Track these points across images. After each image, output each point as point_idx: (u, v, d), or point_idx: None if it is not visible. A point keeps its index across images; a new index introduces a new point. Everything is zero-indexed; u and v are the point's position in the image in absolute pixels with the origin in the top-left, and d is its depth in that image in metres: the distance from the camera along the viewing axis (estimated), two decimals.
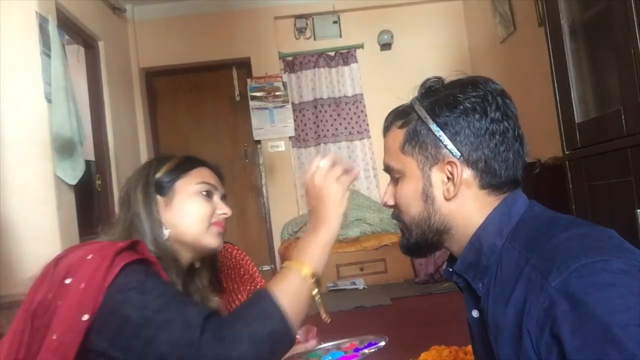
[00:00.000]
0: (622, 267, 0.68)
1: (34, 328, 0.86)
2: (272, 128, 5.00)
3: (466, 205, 0.85)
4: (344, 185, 0.95)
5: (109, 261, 0.86)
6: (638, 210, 1.69)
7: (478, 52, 4.97)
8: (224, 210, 1.10)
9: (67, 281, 0.87)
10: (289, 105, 5.03)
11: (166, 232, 1.04)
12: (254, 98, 4.99)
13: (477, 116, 0.83)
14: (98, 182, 3.92)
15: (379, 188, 4.93)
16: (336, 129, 5.11)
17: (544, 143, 2.74)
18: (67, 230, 3.02)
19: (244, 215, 5.03)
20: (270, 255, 4.98)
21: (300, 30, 5.13)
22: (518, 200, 0.86)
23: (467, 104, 0.83)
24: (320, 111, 5.11)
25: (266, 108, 4.99)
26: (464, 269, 0.87)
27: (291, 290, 0.88)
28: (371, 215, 4.58)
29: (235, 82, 5.07)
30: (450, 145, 0.84)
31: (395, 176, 0.91)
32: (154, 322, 0.83)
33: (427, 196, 0.87)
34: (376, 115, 4.85)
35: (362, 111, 5.11)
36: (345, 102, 5.12)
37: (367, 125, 5.08)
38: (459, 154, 0.84)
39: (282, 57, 5.11)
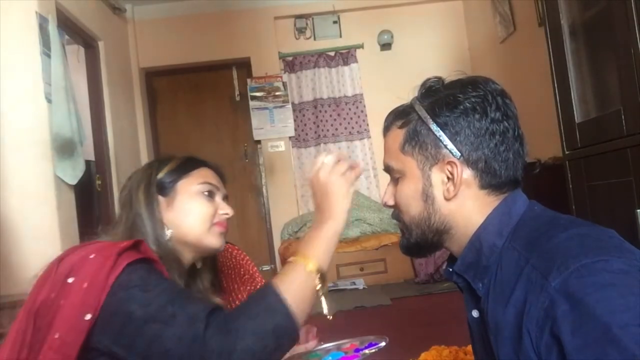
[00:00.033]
0: (622, 267, 0.68)
1: (37, 327, 0.86)
2: (272, 128, 5.00)
3: (466, 205, 0.85)
4: (349, 181, 0.95)
5: (112, 261, 0.87)
6: (638, 210, 1.69)
7: (478, 52, 4.97)
8: (225, 210, 1.11)
9: (70, 280, 0.87)
10: (289, 105, 5.03)
11: (168, 233, 1.04)
12: (254, 98, 4.99)
13: (477, 116, 0.83)
14: (98, 182, 3.92)
15: (379, 188, 4.93)
16: (336, 129, 5.11)
17: (544, 143, 2.74)
18: (67, 230, 3.02)
19: (244, 215, 5.03)
20: (270, 255, 4.98)
21: (300, 30, 5.13)
22: (518, 200, 0.86)
23: (467, 104, 0.83)
24: (320, 111, 5.11)
25: (266, 108, 5.00)
26: (464, 269, 0.87)
27: (296, 285, 0.88)
28: (371, 215, 4.58)
29: (235, 82, 5.07)
30: (450, 145, 0.84)
31: (395, 176, 0.91)
32: (158, 318, 0.83)
33: (427, 196, 0.87)
34: (376, 115, 4.85)
35: (362, 111, 5.11)
36: (345, 102, 5.12)
37: (367, 125, 5.08)
38: (459, 154, 0.84)
39: (282, 57, 5.11)
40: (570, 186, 2.15)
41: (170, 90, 5.14)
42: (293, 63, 5.14)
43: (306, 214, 4.88)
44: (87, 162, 3.36)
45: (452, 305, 2.56)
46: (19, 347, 0.86)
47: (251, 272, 1.40)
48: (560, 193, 2.17)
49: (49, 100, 2.97)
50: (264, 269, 4.72)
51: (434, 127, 0.85)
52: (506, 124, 0.84)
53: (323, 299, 0.92)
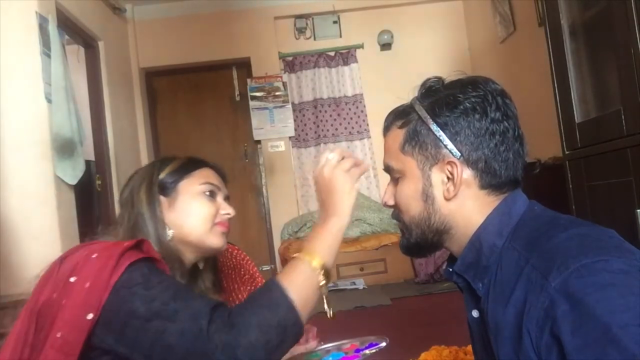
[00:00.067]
0: (622, 267, 0.68)
1: (39, 327, 0.87)
2: (272, 128, 5.00)
3: (466, 205, 0.85)
4: (353, 177, 0.95)
5: (115, 261, 0.87)
6: (638, 210, 1.69)
7: (478, 52, 4.97)
8: (227, 210, 1.11)
9: (72, 280, 0.87)
10: (289, 105, 5.03)
11: (170, 233, 1.05)
12: (254, 98, 4.99)
13: (477, 116, 0.83)
14: (98, 182, 3.92)
15: (379, 188, 4.93)
16: (336, 129, 5.11)
17: (544, 143, 2.74)
18: (67, 230, 3.02)
19: (244, 215, 5.03)
20: (270, 255, 4.98)
21: (300, 30, 5.13)
22: (518, 200, 0.86)
23: (467, 104, 0.83)
24: (320, 111, 5.11)
25: (266, 108, 5.00)
26: (464, 269, 0.87)
27: (300, 281, 0.88)
28: (371, 215, 4.58)
29: (235, 82, 5.07)
30: (450, 145, 0.84)
31: (395, 176, 0.91)
32: (162, 315, 0.83)
33: (427, 196, 0.87)
34: (376, 115, 4.85)
35: (362, 111, 5.11)
36: (345, 102, 5.13)
37: (367, 125, 5.08)
38: (459, 154, 0.84)
39: (282, 57, 5.11)
40: (570, 186, 2.15)
41: (170, 90, 5.14)
42: (293, 63, 5.14)
43: (306, 214, 4.89)
44: (87, 162, 3.36)
45: (452, 305, 2.56)
46: (21, 347, 0.86)
47: (251, 272, 1.40)
48: (560, 193, 2.17)
49: (49, 100, 2.97)
50: (264, 269, 4.72)
51: (434, 127, 0.85)
52: (506, 124, 0.84)
53: (326, 296, 0.92)
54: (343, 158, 0.96)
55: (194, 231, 1.06)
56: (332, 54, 5.14)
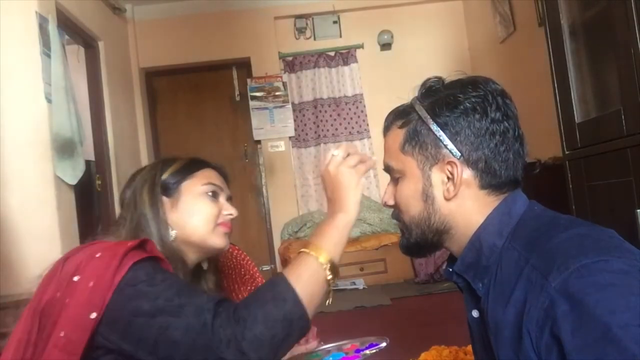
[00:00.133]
0: (622, 267, 0.68)
1: (42, 326, 0.87)
2: (272, 128, 5.00)
3: (466, 205, 0.85)
4: (359, 173, 0.95)
5: (118, 260, 0.87)
6: (638, 210, 1.69)
7: (478, 52, 4.97)
8: (230, 210, 1.11)
9: (76, 279, 0.87)
10: (289, 105, 5.03)
11: (172, 233, 1.05)
12: (254, 98, 4.99)
13: (477, 116, 0.83)
14: (98, 182, 3.92)
15: (379, 188, 4.94)
16: (336, 129, 5.12)
17: (544, 143, 2.74)
18: (67, 230, 3.02)
19: (244, 215, 5.02)
20: (270, 255, 4.98)
21: (300, 30, 5.14)
22: (518, 200, 0.86)
23: (468, 104, 0.83)
24: (320, 111, 5.11)
25: (266, 108, 5.00)
26: (464, 269, 0.87)
27: (307, 276, 0.88)
28: (371, 215, 4.58)
29: (235, 82, 5.07)
30: (450, 145, 0.84)
31: (395, 176, 0.91)
32: (166, 311, 0.83)
33: (427, 196, 0.87)
34: (376, 115, 4.85)
35: (362, 111, 5.11)
36: (345, 102, 5.13)
37: (367, 125, 5.08)
38: (459, 154, 0.84)
39: (282, 57, 5.11)
40: (570, 186, 2.15)
41: (170, 90, 5.14)
42: (293, 63, 5.14)
43: (306, 214, 4.89)
44: (87, 162, 3.36)
45: (452, 305, 2.56)
46: (24, 346, 0.86)
47: (252, 272, 1.40)
48: (560, 193, 2.17)
49: (49, 100, 2.97)
50: (264, 269, 4.72)
51: (434, 127, 0.85)
52: (506, 124, 0.84)
53: (331, 289, 0.92)
54: (349, 155, 0.96)
55: (197, 231, 1.06)
56: (332, 54, 5.14)
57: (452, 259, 0.92)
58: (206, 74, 5.11)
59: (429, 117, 0.85)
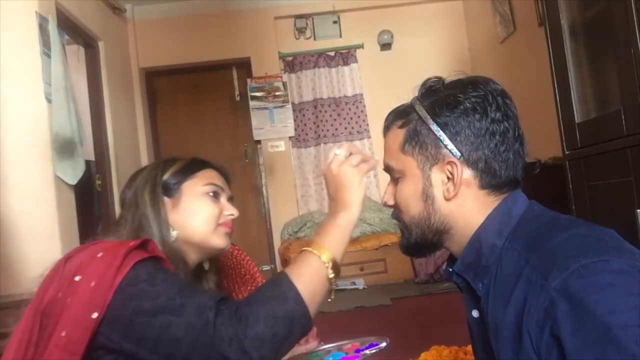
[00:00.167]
0: (622, 267, 0.68)
1: (43, 326, 0.87)
2: (272, 128, 5.00)
3: (466, 206, 0.85)
4: (361, 172, 0.95)
5: (120, 260, 0.87)
6: (638, 210, 1.69)
7: (478, 52, 4.97)
8: (231, 211, 1.11)
9: (77, 278, 0.87)
10: (289, 105, 5.03)
11: (174, 234, 1.05)
12: (254, 98, 4.99)
13: (477, 116, 0.83)
14: (98, 182, 3.92)
15: (379, 188, 4.94)
16: (336, 129, 5.12)
17: (544, 143, 2.75)
18: (67, 230, 3.02)
19: (244, 215, 5.02)
20: (270, 255, 4.98)
21: (300, 30, 5.14)
22: (518, 200, 0.86)
23: (468, 104, 0.83)
24: (320, 111, 5.11)
25: (266, 108, 5.00)
26: (463, 269, 0.87)
27: (309, 274, 0.88)
28: (371, 215, 4.58)
29: (235, 82, 5.07)
30: (450, 145, 0.84)
31: (395, 176, 0.91)
32: (167, 309, 0.83)
33: (427, 196, 0.87)
34: (376, 115, 4.85)
35: (362, 111, 5.11)
36: (345, 102, 5.13)
37: (367, 125, 5.08)
38: (459, 154, 0.84)
39: (282, 57, 5.11)
40: (570, 186, 2.15)
41: (170, 90, 5.14)
42: (293, 63, 5.14)
43: (306, 214, 4.89)
44: (87, 162, 3.36)
45: (452, 305, 2.56)
46: (25, 346, 0.86)
47: (252, 272, 1.40)
48: (560, 193, 2.17)
49: (49, 100, 2.97)
50: (264, 269, 4.72)
51: (434, 127, 0.85)
52: (506, 124, 0.84)
53: (332, 288, 0.92)
54: (351, 154, 0.96)
55: (198, 232, 1.06)
56: (332, 54, 5.14)
57: (452, 259, 0.92)
58: (206, 74, 5.11)
59: (429, 117, 0.85)
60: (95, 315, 0.84)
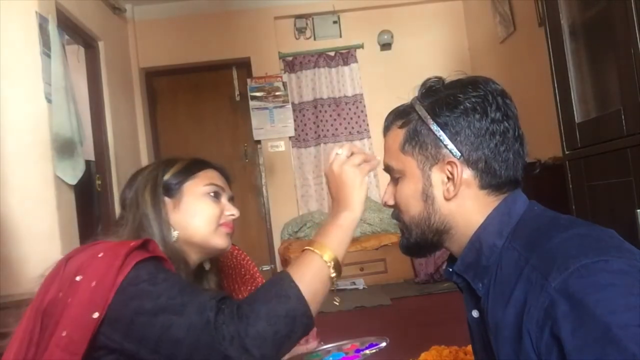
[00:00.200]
0: (622, 268, 0.68)
1: (44, 326, 0.87)
2: (272, 128, 5.00)
3: (466, 206, 0.85)
4: (363, 171, 0.95)
5: (121, 260, 0.87)
6: (638, 210, 1.69)
7: (478, 52, 4.97)
8: (231, 211, 1.11)
9: (78, 278, 0.87)
10: (289, 105, 5.03)
11: (174, 234, 1.05)
12: (254, 98, 4.99)
13: (477, 116, 0.83)
14: (98, 182, 3.92)
15: (379, 188, 4.94)
16: (336, 129, 5.12)
17: (544, 143, 2.75)
18: (67, 230, 3.02)
19: (244, 215, 5.02)
20: (270, 255, 4.98)
21: (300, 30, 5.14)
22: (518, 200, 0.86)
23: (468, 104, 0.83)
24: (320, 111, 5.11)
25: (266, 108, 5.00)
26: (463, 269, 0.87)
27: (311, 274, 0.88)
28: (371, 215, 4.58)
29: (235, 82, 5.07)
30: (450, 145, 0.84)
31: (395, 176, 0.91)
32: (168, 309, 0.83)
33: (427, 196, 0.87)
34: (376, 115, 4.85)
35: (362, 111, 5.11)
36: (345, 102, 5.13)
37: (367, 125, 5.08)
38: (459, 154, 0.84)
39: (282, 57, 5.11)
40: (570, 186, 2.15)
41: (170, 90, 5.14)
42: (293, 63, 5.14)
43: (306, 214, 4.89)
44: (87, 162, 3.36)
45: (452, 305, 2.56)
46: (26, 346, 0.86)
47: (252, 272, 1.40)
48: (560, 193, 2.17)
49: (49, 100, 2.97)
50: (264, 269, 4.72)
51: (434, 127, 0.85)
52: (506, 124, 0.84)
53: (334, 288, 0.92)
54: (353, 154, 0.96)
55: (199, 232, 1.06)
56: (332, 54, 5.14)
57: (452, 259, 0.92)
58: (206, 74, 5.11)
59: (429, 117, 0.85)
60: (96, 315, 0.84)
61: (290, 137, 5.06)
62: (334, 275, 0.90)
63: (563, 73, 2.14)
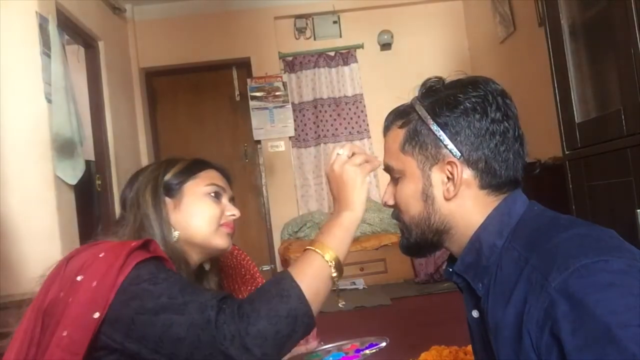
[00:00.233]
0: (622, 267, 0.68)
1: (45, 325, 0.87)
2: (272, 128, 5.00)
3: (466, 206, 0.85)
4: (364, 171, 0.95)
5: (122, 260, 0.87)
6: (638, 210, 1.69)
7: (478, 52, 4.97)
8: (232, 211, 1.12)
9: (79, 278, 0.87)
10: (289, 105, 5.03)
11: (175, 234, 1.05)
12: (254, 98, 4.99)
13: (477, 116, 0.83)
14: (98, 182, 3.92)
15: (379, 188, 4.94)
16: (336, 129, 5.12)
17: (544, 143, 2.75)
18: (67, 230, 3.02)
19: (244, 215, 4.97)
20: (270, 255, 4.98)
21: (300, 30, 5.14)
22: (518, 200, 0.86)
23: (468, 104, 0.83)
24: (320, 111, 5.11)
25: (266, 108, 5.00)
26: (463, 269, 0.87)
27: (312, 273, 0.88)
28: (371, 215, 4.58)
29: (235, 82, 5.07)
30: (450, 145, 0.84)
31: (395, 176, 0.91)
32: (170, 308, 0.83)
33: (427, 196, 0.87)
34: (376, 115, 4.85)
35: (362, 111, 5.11)
36: (345, 102, 5.13)
37: (367, 125, 5.08)
38: (459, 154, 0.84)
39: (282, 57, 5.11)
40: (570, 186, 2.15)
41: (170, 90, 5.14)
42: (293, 63, 5.14)
43: (306, 214, 4.89)
44: (87, 162, 3.36)
45: (452, 305, 2.56)
46: (27, 346, 0.86)
47: (252, 272, 1.40)
48: (560, 193, 2.17)
49: (49, 100, 2.97)
50: (264, 269, 4.72)
51: (434, 127, 0.85)
52: (506, 124, 0.84)
53: (337, 288, 0.92)
54: (354, 154, 0.96)
55: (200, 232, 1.07)
56: (332, 54, 5.14)
57: (452, 259, 0.92)
58: (206, 74, 5.11)
59: (429, 117, 0.85)
60: (96, 315, 0.84)
61: (290, 137, 5.06)
62: (335, 275, 0.90)
63: (563, 73, 2.14)
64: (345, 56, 5.13)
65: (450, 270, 0.91)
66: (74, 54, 4.03)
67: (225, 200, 1.12)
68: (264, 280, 1.30)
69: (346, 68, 5.13)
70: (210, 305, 0.83)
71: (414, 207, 0.88)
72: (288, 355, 1.03)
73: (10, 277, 2.64)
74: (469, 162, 0.84)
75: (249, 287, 1.37)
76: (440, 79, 0.90)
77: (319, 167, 5.03)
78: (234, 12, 4.97)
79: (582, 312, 0.65)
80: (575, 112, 2.10)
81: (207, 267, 1.15)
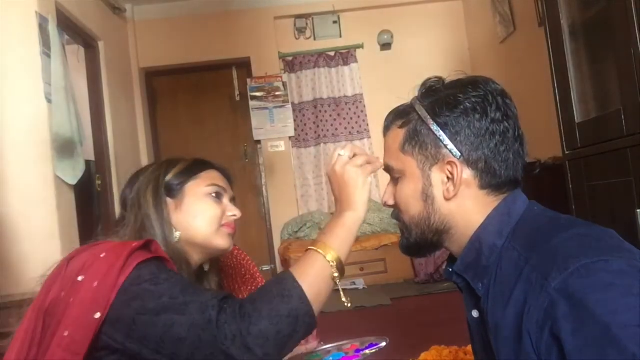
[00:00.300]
0: (622, 268, 0.68)
1: (46, 326, 0.87)
2: (272, 128, 5.00)
3: (466, 206, 0.85)
4: (365, 172, 0.95)
5: (123, 261, 0.87)
6: (638, 210, 1.69)
7: (478, 52, 4.97)
8: (233, 212, 1.12)
9: (80, 278, 0.87)
10: (289, 105, 5.03)
11: (176, 234, 1.05)
12: (254, 98, 4.99)
13: (477, 116, 0.83)
14: (98, 182, 3.92)
15: (379, 188, 4.93)
16: (336, 129, 5.12)
17: (544, 143, 2.74)
18: (67, 230, 3.02)
19: (244, 216, 4.95)
20: (270, 255, 4.98)
21: (300, 30, 5.14)
22: (518, 200, 0.86)
23: (468, 104, 0.83)
24: (320, 111, 5.11)
25: (266, 108, 5.00)
26: (463, 269, 0.87)
27: (314, 274, 0.89)
28: (371, 215, 4.58)
29: (235, 82, 5.07)
30: (450, 145, 0.84)
31: (395, 176, 0.91)
32: (171, 308, 0.84)
33: (427, 196, 0.87)
34: (376, 115, 4.85)
35: (362, 111, 5.11)
36: (345, 102, 5.13)
37: (367, 125, 5.08)
38: (459, 154, 0.84)
39: (282, 57, 5.11)
40: (570, 186, 2.15)
41: (170, 90, 5.14)
42: (293, 63, 5.14)
43: (306, 214, 4.89)
44: (87, 162, 3.36)
45: (452, 305, 2.55)
46: (28, 346, 0.86)
47: (252, 272, 1.40)
48: (560, 193, 2.17)
49: (49, 100, 2.97)
50: (264, 269, 4.72)
51: (434, 127, 0.85)
52: (506, 124, 0.84)
53: (340, 287, 0.92)
54: (355, 155, 0.96)
55: (201, 232, 1.07)
56: (332, 54, 5.14)
57: (452, 259, 0.92)
58: (206, 74, 5.11)
59: (429, 117, 0.85)
60: (97, 315, 0.84)
61: (290, 137, 5.06)
62: (336, 275, 0.90)
63: (563, 73, 2.14)
64: (345, 56, 5.13)
65: (450, 270, 0.91)
66: (74, 54, 4.03)
67: (226, 200, 1.12)
68: (264, 280, 1.30)
69: (346, 68, 5.13)
70: (212, 305, 0.83)
71: (414, 207, 0.88)
72: (288, 355, 1.03)
73: (10, 277, 2.64)
74: (469, 162, 0.84)
75: (249, 287, 1.37)
76: (440, 79, 0.90)
77: (319, 167, 5.03)
78: (234, 12, 4.97)
79: (582, 312, 0.65)
80: (575, 112, 2.10)
81: (206, 268, 1.14)
